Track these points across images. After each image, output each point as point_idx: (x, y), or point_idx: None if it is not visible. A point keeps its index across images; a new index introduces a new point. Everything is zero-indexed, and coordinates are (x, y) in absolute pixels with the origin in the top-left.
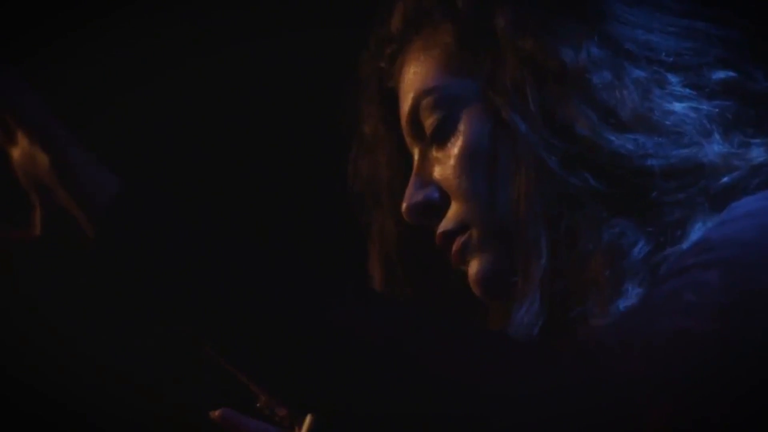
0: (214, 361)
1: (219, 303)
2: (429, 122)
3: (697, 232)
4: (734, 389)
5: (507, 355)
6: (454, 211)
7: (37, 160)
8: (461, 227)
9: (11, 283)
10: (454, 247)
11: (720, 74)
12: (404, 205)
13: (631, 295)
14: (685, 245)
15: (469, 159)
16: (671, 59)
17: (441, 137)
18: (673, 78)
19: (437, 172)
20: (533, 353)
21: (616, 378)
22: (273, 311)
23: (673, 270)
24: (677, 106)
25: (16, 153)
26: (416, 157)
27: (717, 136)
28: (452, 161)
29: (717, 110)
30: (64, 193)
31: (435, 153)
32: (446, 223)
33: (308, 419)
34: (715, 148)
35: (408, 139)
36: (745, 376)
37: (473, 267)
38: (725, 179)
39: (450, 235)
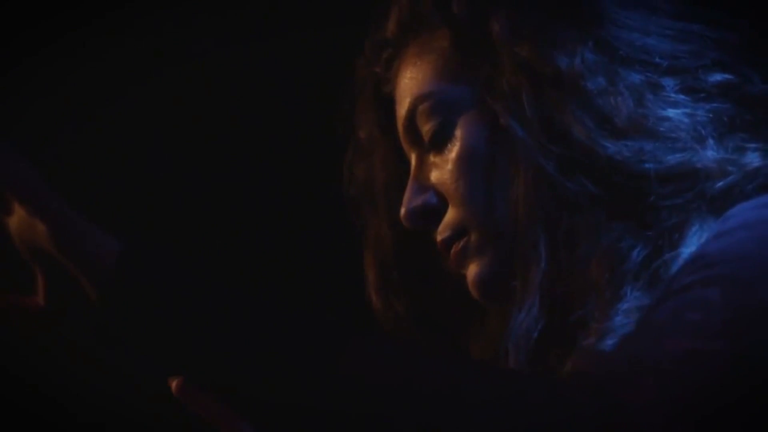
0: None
1: (227, 352)
2: (426, 128)
3: (693, 235)
4: (748, 406)
5: (515, 390)
6: (452, 215)
7: (36, 229)
8: (459, 232)
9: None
10: (453, 252)
11: (716, 77)
12: (402, 210)
13: (631, 299)
14: (682, 249)
15: (466, 164)
16: (667, 63)
17: (438, 142)
18: (668, 82)
19: (435, 176)
20: (541, 386)
21: (631, 408)
22: (279, 358)
23: (673, 288)
24: (671, 112)
25: (14, 223)
26: (414, 162)
27: (711, 142)
28: (450, 166)
29: (712, 115)
30: (65, 260)
31: (432, 158)
32: (444, 229)
33: None
34: (709, 154)
35: (405, 144)
36: (758, 392)
37: (472, 271)
38: (720, 184)
39: (449, 240)
